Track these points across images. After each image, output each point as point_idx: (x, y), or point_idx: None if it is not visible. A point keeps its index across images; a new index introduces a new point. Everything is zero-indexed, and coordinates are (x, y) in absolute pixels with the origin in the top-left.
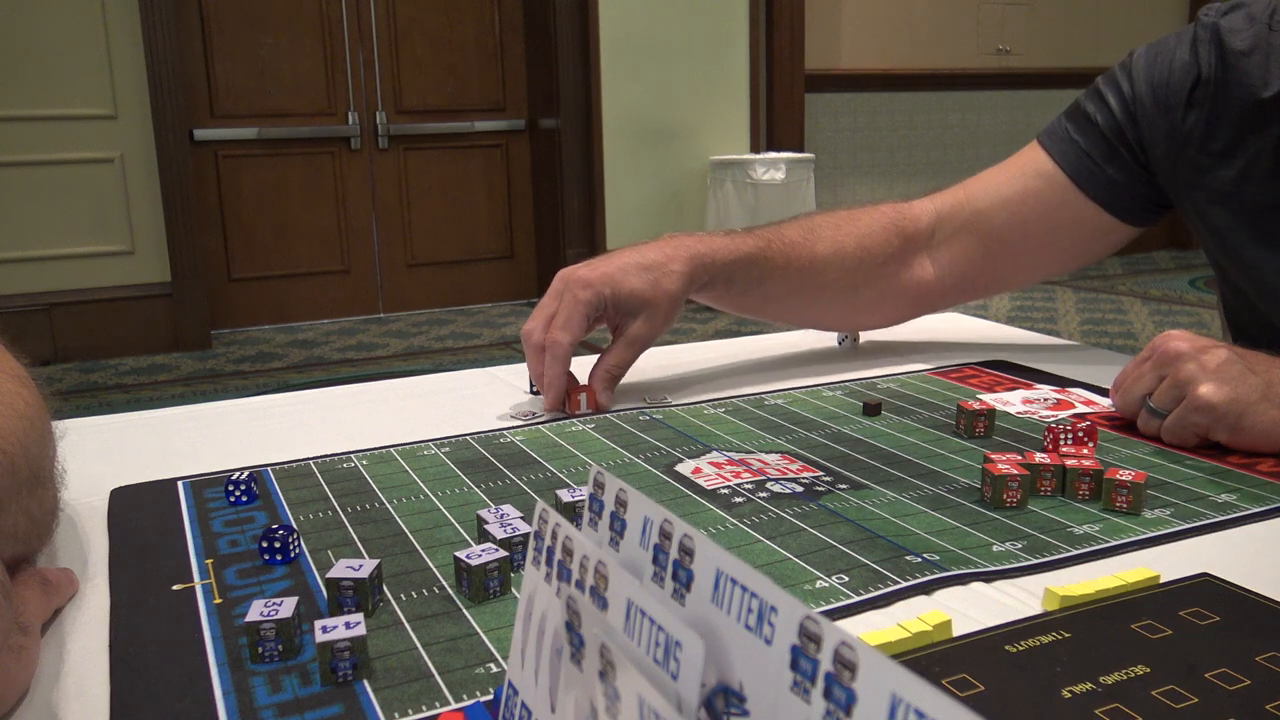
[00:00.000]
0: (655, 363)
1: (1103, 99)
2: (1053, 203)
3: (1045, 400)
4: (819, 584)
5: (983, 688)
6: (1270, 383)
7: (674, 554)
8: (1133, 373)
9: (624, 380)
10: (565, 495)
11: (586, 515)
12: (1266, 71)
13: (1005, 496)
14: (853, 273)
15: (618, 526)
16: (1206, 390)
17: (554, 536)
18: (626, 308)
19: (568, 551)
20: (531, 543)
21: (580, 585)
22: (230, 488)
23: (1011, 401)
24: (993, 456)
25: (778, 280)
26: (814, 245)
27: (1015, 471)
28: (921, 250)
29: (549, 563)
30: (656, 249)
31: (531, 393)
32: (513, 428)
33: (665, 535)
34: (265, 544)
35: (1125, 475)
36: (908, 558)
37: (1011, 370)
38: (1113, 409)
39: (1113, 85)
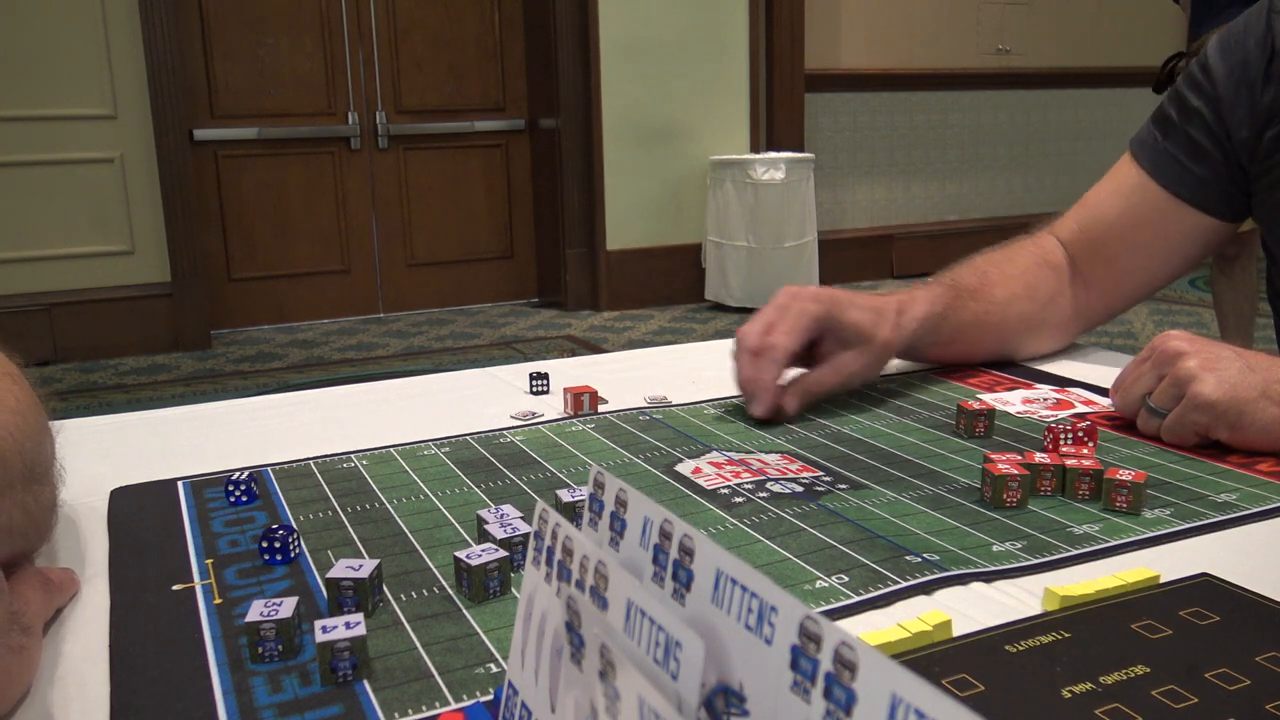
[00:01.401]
0: (655, 362)
1: (1182, 98)
2: (1154, 216)
3: (1045, 400)
4: (819, 584)
5: (983, 688)
6: (1269, 380)
7: (674, 554)
8: (1132, 373)
9: (624, 380)
10: (565, 495)
11: (586, 515)
12: None
13: (1005, 496)
14: (1029, 313)
15: (618, 526)
16: (1205, 388)
17: (554, 536)
18: (844, 337)
19: (568, 551)
20: (531, 543)
21: (580, 585)
22: (230, 488)
23: (1011, 401)
24: (993, 456)
25: (969, 328)
26: (992, 290)
27: (1015, 471)
28: (1068, 283)
29: (549, 563)
30: (876, 298)
31: (532, 393)
32: (513, 428)
33: (665, 535)
34: (265, 544)
35: (1125, 475)
36: (908, 558)
37: (1011, 370)
38: (1113, 409)
39: (1189, 82)
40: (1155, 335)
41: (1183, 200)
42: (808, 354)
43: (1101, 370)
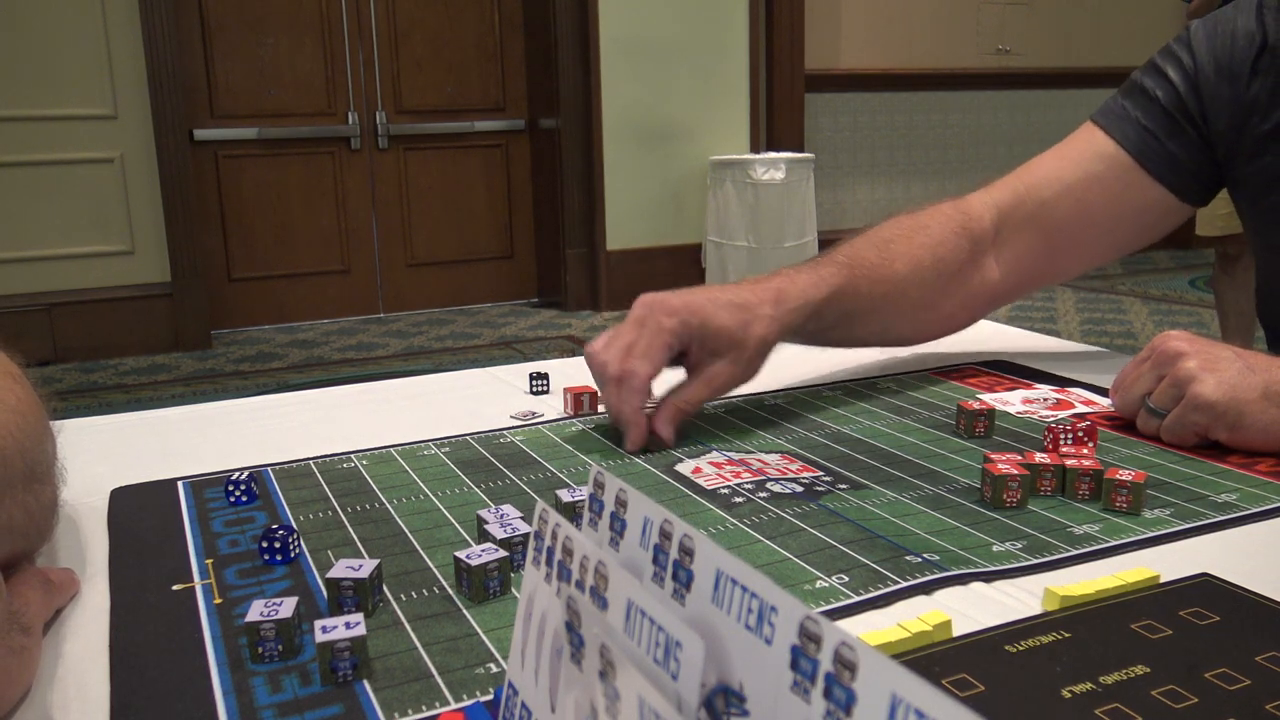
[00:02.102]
0: None
1: (1162, 73)
2: (1116, 186)
3: (1045, 400)
4: (819, 584)
5: (983, 688)
6: (1270, 381)
7: (674, 554)
8: (1132, 373)
9: None
10: (565, 495)
11: (586, 515)
12: None
13: (1005, 496)
14: (931, 287)
15: (618, 526)
16: (1205, 389)
17: (554, 536)
18: (712, 345)
19: (568, 551)
20: (531, 543)
21: (580, 585)
22: (230, 488)
23: (1011, 401)
24: (992, 456)
25: (863, 309)
26: (893, 264)
27: (1015, 471)
28: (988, 251)
29: (549, 563)
30: (747, 289)
31: (532, 393)
32: (513, 428)
33: (665, 535)
34: (265, 544)
35: (1125, 475)
36: (908, 558)
37: (1011, 370)
38: (1113, 409)
39: (1172, 59)
40: (1155, 335)
41: (1149, 173)
42: (679, 360)
43: (1101, 370)
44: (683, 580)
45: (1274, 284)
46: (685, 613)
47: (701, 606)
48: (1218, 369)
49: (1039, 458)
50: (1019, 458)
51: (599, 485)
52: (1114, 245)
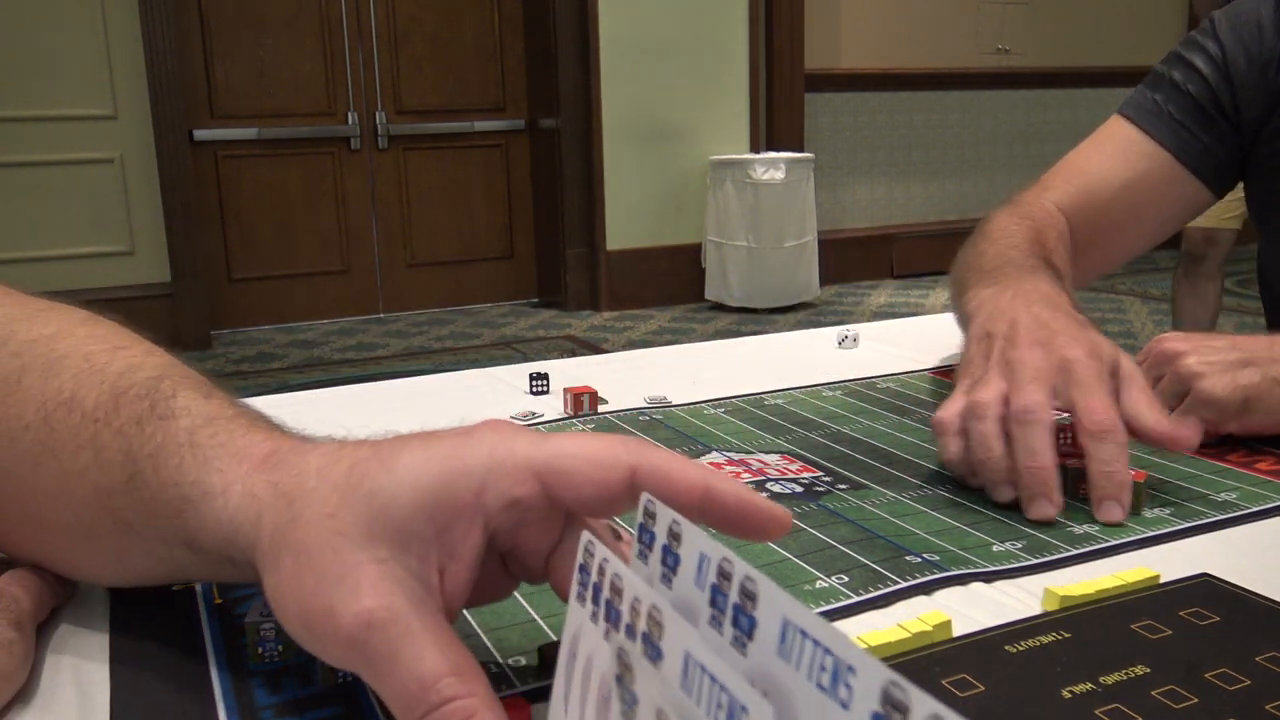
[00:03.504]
0: (655, 362)
1: (1190, 65)
2: (1160, 184)
3: None
4: (819, 584)
5: (982, 688)
6: (1271, 363)
7: (734, 597)
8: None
9: (624, 380)
10: None
11: (636, 547)
12: None
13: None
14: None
15: (670, 561)
16: (1209, 384)
17: (601, 572)
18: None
19: (616, 590)
20: (576, 576)
21: (631, 631)
22: None
23: None
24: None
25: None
26: (1062, 269)
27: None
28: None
29: (595, 600)
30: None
31: (532, 393)
32: None
33: (724, 575)
34: None
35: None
36: (907, 558)
37: None
38: None
39: (1199, 50)
40: (1154, 335)
41: (1187, 167)
42: None
43: None
44: (744, 628)
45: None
46: (747, 665)
47: (766, 659)
48: (1218, 362)
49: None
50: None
51: (649, 515)
52: (1152, 237)
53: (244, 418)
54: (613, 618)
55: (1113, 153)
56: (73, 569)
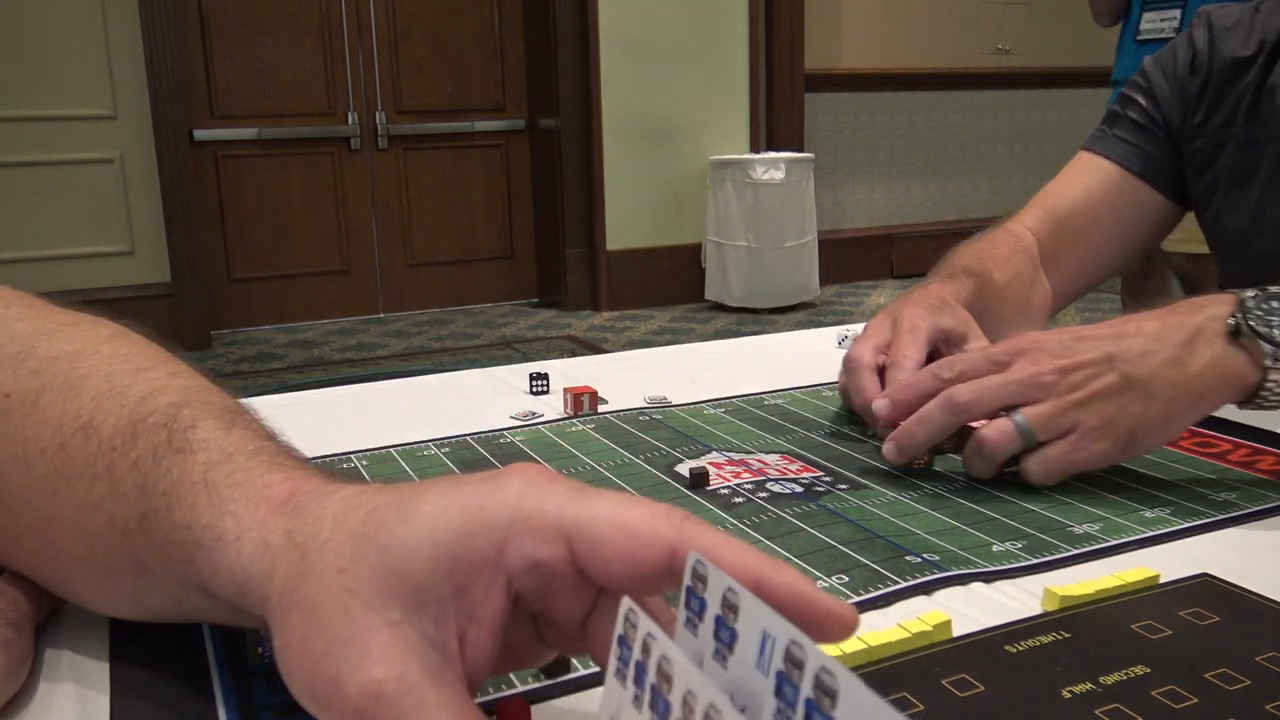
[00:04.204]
0: (655, 362)
1: (1129, 98)
2: (1112, 193)
3: None
4: (819, 584)
5: (983, 688)
6: (1151, 392)
7: (807, 690)
8: (986, 369)
9: (624, 380)
10: None
11: (682, 613)
12: (1248, 36)
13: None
14: (1019, 299)
15: (725, 637)
16: (1099, 447)
17: (645, 649)
18: (953, 340)
19: (664, 676)
20: (615, 649)
21: None
22: None
23: None
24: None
25: (990, 317)
26: (992, 275)
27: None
28: (1039, 271)
29: (638, 682)
30: (932, 296)
31: (532, 393)
32: (513, 428)
33: (794, 663)
34: None
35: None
36: (907, 558)
37: None
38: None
39: (1134, 85)
40: (1015, 336)
41: (1134, 174)
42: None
43: None
44: None
45: (1227, 252)
46: None
47: None
48: (1111, 419)
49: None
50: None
51: (699, 578)
52: (1119, 246)
53: (265, 453)
54: (660, 709)
55: (1071, 177)
56: (91, 602)
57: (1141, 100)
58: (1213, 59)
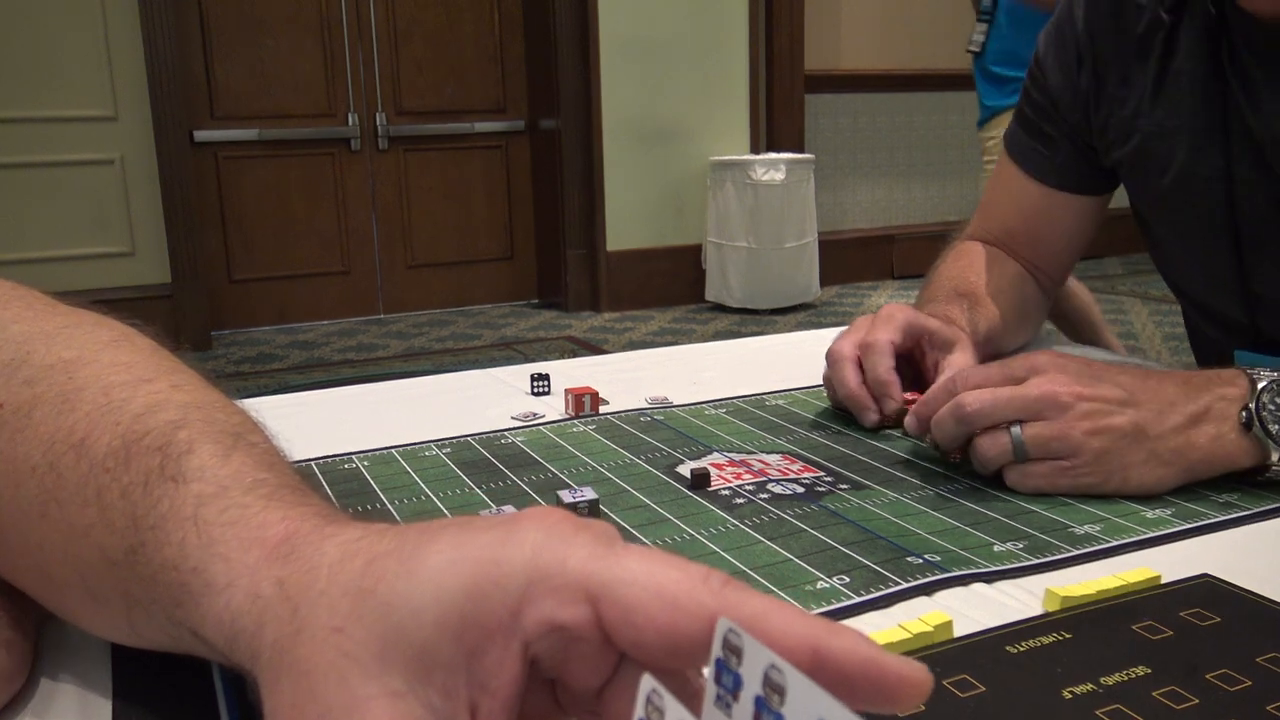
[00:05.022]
0: (656, 363)
1: (1027, 93)
2: (1042, 208)
3: None
4: (820, 585)
5: (983, 688)
6: (1158, 437)
7: None
8: (1001, 381)
9: (625, 380)
10: (566, 496)
11: (712, 690)
12: (1138, 13)
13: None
14: (1020, 304)
15: None
16: (1094, 478)
17: None
18: (937, 342)
19: None
20: None
21: None
22: None
23: None
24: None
25: (994, 326)
26: (980, 288)
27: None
28: (1025, 273)
29: None
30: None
31: (533, 394)
32: (514, 429)
33: None
34: None
35: None
36: (909, 558)
37: None
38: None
39: (1030, 77)
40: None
41: (1051, 186)
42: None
43: None
44: None
45: (1170, 250)
46: None
47: None
48: (1107, 456)
49: None
50: None
51: (732, 650)
52: (1067, 249)
53: (264, 487)
54: None
55: (1002, 192)
56: (89, 627)
57: (1041, 100)
58: (1103, 42)
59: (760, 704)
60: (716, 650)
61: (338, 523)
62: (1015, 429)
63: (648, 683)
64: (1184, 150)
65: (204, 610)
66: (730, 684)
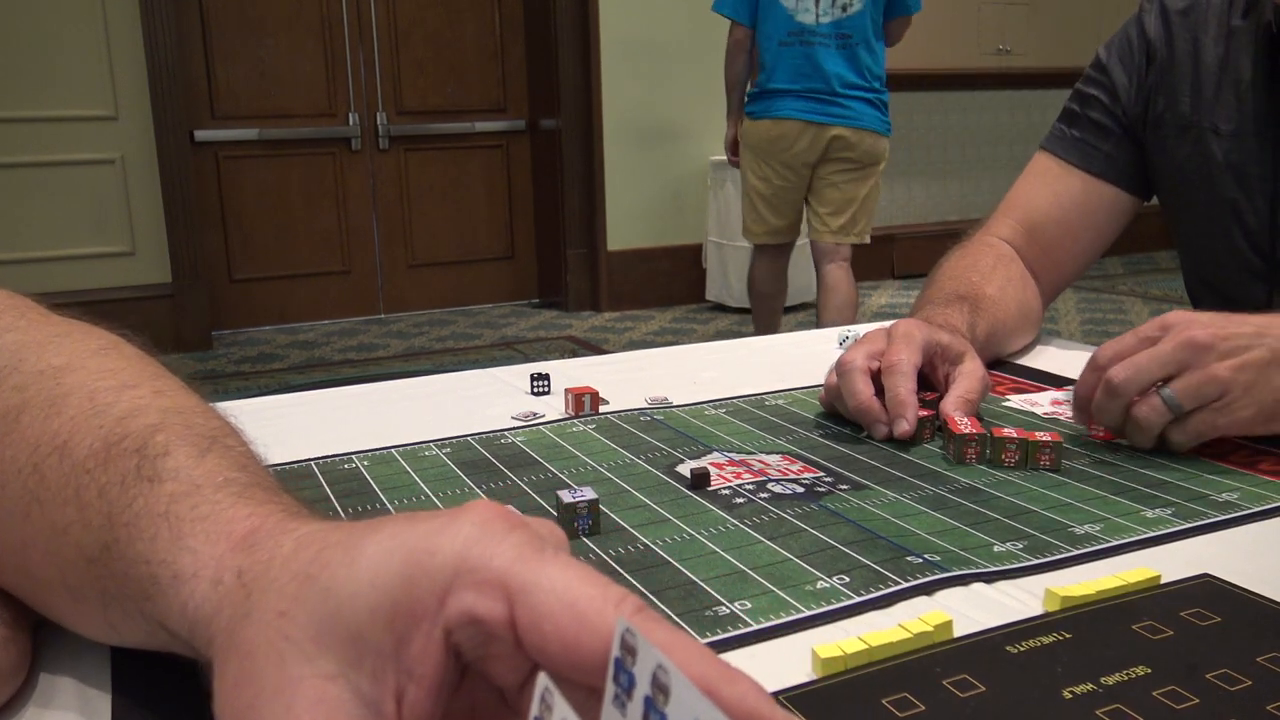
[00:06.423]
0: (656, 363)
1: (1080, 93)
2: (1079, 198)
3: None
4: (820, 585)
5: (984, 688)
6: None
7: None
8: (1136, 346)
9: (625, 381)
10: (566, 496)
11: (610, 689)
12: (1206, 22)
13: (966, 454)
14: (1020, 304)
15: None
16: (1246, 414)
17: None
18: (949, 356)
19: None
20: None
21: None
22: None
23: (1040, 403)
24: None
25: (995, 330)
26: (985, 289)
27: (975, 431)
28: (1027, 275)
29: None
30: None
31: (533, 393)
32: (514, 428)
33: None
34: None
35: (1044, 436)
36: (909, 558)
37: (1012, 370)
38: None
39: (1086, 79)
40: (1164, 314)
41: (1096, 176)
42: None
43: None
44: None
45: (1194, 245)
46: None
47: None
48: (1256, 387)
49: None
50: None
51: (628, 649)
52: (1094, 246)
53: (235, 485)
54: None
55: (1039, 184)
56: (72, 626)
57: (1101, 97)
58: (1169, 46)
59: (648, 704)
60: (615, 650)
61: (301, 518)
62: (1165, 389)
63: (543, 681)
64: (1234, 148)
65: (169, 600)
66: (626, 683)
